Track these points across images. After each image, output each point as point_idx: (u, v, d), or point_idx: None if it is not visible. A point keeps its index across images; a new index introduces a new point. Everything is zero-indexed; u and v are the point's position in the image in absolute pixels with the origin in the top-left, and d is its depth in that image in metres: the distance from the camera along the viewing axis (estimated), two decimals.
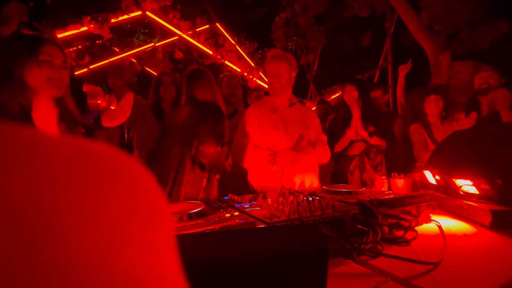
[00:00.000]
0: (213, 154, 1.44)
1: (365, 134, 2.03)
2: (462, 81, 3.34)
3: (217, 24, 4.78)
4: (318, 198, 0.97)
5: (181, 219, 0.78)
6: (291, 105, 1.70)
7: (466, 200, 1.05)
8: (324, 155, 1.69)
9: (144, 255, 0.15)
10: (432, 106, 2.18)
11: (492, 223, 0.90)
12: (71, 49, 3.64)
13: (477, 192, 1.05)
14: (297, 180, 1.59)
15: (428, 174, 1.30)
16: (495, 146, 1.13)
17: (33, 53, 1.04)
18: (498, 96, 1.96)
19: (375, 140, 2.03)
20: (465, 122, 2.09)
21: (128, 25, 6.67)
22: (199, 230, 0.70)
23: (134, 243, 0.14)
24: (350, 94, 2.10)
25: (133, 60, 4.51)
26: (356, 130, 2.05)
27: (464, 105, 2.32)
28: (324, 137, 1.73)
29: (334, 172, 2.22)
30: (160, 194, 0.17)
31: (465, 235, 0.87)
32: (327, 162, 1.76)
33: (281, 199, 0.95)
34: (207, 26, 4.53)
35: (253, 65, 5.00)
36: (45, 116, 1.10)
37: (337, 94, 6.47)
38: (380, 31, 6.41)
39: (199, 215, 0.82)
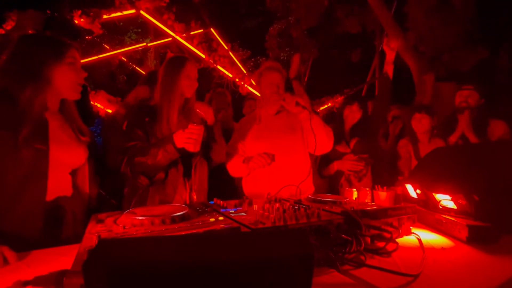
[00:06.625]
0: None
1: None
2: (444, 101, 3.50)
3: (211, 29, 4.80)
4: (303, 206, 0.97)
5: (163, 222, 0.76)
6: (277, 113, 1.73)
7: (445, 214, 1.07)
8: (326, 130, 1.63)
9: None
10: (416, 124, 2.24)
11: (469, 238, 0.92)
12: None
13: (455, 207, 1.08)
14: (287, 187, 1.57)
15: (409, 187, 1.34)
16: (473, 163, 1.18)
17: (62, 55, 1.03)
18: (461, 120, 2.04)
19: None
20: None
21: (121, 23, 6.58)
22: (182, 233, 0.68)
23: None
24: (355, 114, 2.12)
25: (123, 58, 4.42)
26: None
27: (444, 123, 2.41)
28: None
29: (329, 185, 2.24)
30: None
31: (443, 249, 0.89)
32: (330, 150, 1.71)
33: (267, 205, 0.95)
34: (201, 30, 4.53)
35: (245, 72, 5.03)
36: (57, 120, 1.08)
37: (326, 106, 6.62)
38: (369, 48, 6.67)
39: (182, 218, 0.80)
